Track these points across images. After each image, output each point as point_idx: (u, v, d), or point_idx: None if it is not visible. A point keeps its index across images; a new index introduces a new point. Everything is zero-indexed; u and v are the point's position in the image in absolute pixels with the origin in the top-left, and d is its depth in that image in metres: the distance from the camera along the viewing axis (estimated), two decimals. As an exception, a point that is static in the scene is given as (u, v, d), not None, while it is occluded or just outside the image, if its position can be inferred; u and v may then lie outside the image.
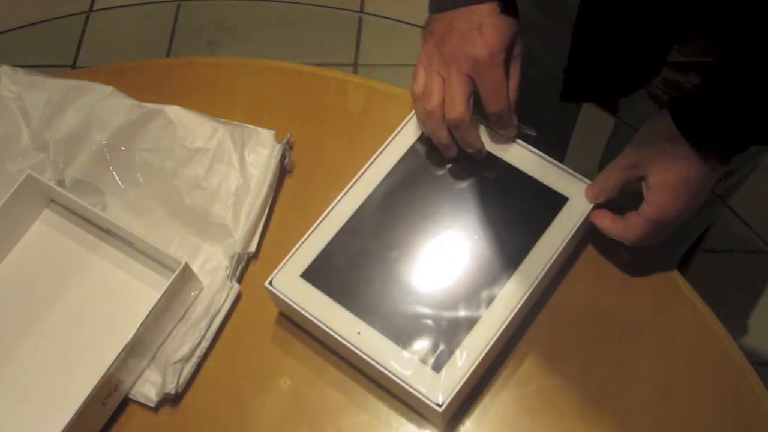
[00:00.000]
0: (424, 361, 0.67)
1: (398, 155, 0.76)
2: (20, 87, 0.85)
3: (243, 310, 0.76)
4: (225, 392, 0.73)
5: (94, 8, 1.92)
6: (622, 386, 0.70)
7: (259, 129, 0.82)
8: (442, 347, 0.67)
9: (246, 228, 0.77)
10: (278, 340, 0.74)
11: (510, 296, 0.69)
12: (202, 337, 0.73)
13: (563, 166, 0.75)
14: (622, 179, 0.69)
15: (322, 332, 0.70)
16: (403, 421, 0.70)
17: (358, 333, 0.68)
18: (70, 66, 1.82)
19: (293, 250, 0.72)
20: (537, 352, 0.72)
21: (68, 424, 0.65)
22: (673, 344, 0.72)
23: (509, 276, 0.70)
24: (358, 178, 0.75)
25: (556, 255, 0.70)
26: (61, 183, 0.80)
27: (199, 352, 0.73)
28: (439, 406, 0.65)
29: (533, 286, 0.69)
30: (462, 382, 0.66)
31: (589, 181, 0.73)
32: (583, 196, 0.73)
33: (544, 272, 0.70)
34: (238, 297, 0.76)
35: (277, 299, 0.72)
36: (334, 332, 0.69)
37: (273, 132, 0.82)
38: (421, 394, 0.66)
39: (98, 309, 0.76)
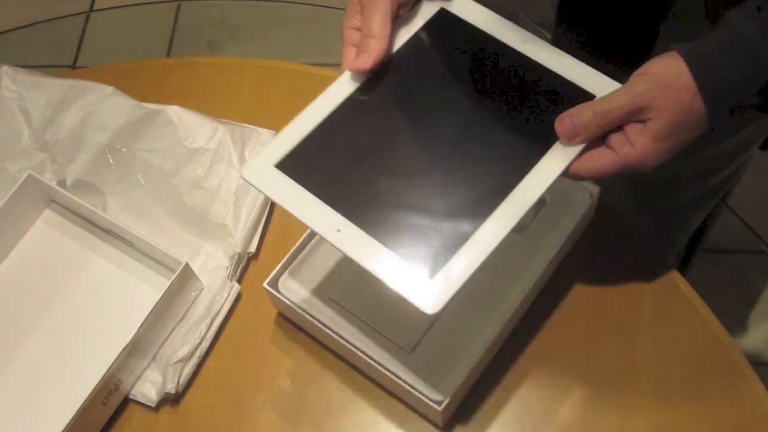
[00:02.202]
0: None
1: (401, 42, 0.66)
2: (21, 87, 0.85)
3: (243, 310, 0.76)
4: (225, 392, 0.73)
5: (94, 8, 1.92)
6: (622, 386, 0.70)
7: (259, 129, 0.82)
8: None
9: (246, 228, 0.77)
10: (278, 341, 0.74)
11: (510, 209, 0.58)
12: (203, 337, 0.73)
13: (585, 65, 0.64)
14: (621, 120, 0.58)
15: (322, 332, 0.70)
16: (403, 421, 0.70)
17: (338, 230, 0.59)
18: (71, 66, 1.82)
19: (272, 140, 0.63)
20: (536, 352, 0.72)
21: (69, 423, 0.65)
22: (673, 344, 0.72)
23: (513, 187, 0.58)
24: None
25: (572, 161, 0.59)
26: (61, 183, 0.80)
27: (199, 352, 0.73)
28: (439, 404, 0.65)
29: (537, 198, 0.58)
30: (461, 380, 0.66)
31: (615, 82, 0.61)
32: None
33: (557, 175, 0.59)
34: (238, 297, 0.76)
35: (275, 300, 0.72)
36: (313, 229, 0.59)
37: (273, 132, 0.82)
38: (420, 393, 0.66)
39: (98, 309, 0.76)
